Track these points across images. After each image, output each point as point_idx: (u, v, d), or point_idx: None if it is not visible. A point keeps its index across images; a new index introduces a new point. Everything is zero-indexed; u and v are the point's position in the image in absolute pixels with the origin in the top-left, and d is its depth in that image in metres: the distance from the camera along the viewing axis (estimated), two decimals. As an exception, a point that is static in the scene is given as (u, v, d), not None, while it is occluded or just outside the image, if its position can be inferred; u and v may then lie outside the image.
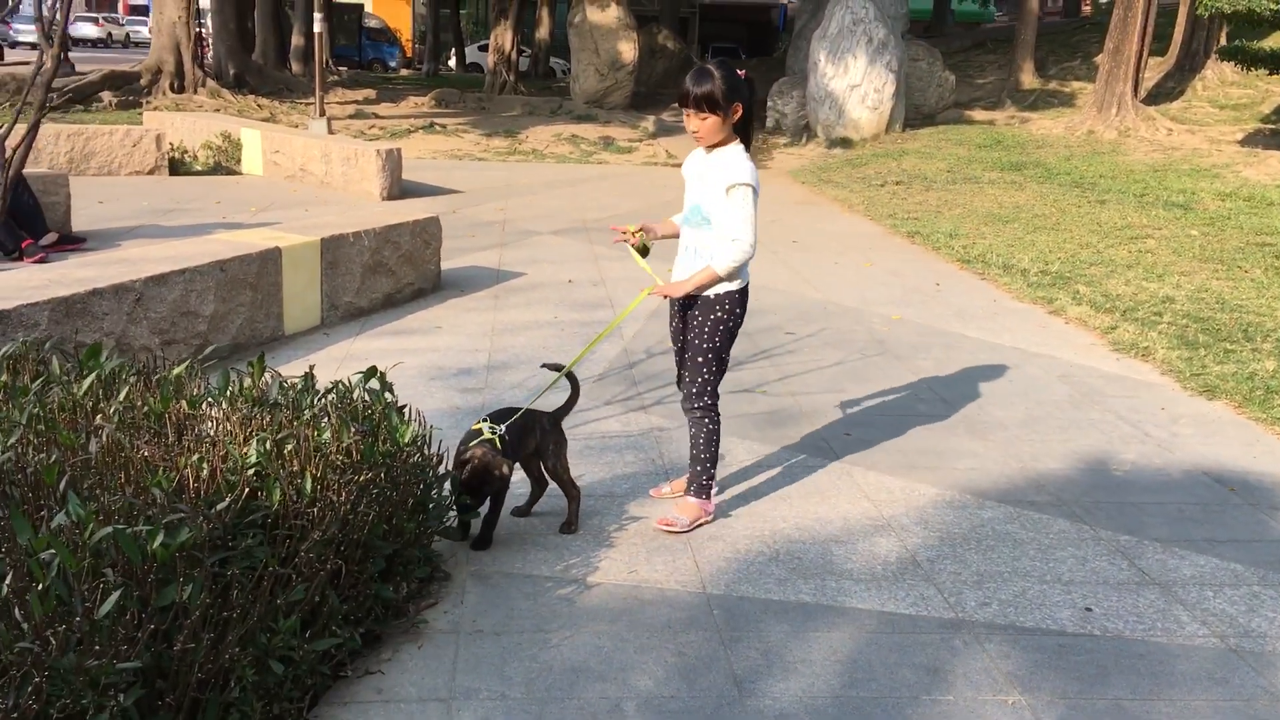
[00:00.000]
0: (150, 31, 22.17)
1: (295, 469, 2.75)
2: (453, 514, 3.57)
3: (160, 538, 2.19)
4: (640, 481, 4.25)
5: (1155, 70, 19.78)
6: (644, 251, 3.90)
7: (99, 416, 2.87)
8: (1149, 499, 4.27)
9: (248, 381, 3.25)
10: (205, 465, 2.56)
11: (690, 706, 2.78)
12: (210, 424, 2.98)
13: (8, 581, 2.06)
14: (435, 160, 15.17)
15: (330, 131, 15.95)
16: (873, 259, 9.01)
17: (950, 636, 3.18)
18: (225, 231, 6.71)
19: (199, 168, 12.79)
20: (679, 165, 3.85)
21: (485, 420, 3.67)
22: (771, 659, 3.02)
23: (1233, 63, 16.02)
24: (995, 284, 8.13)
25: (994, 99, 20.91)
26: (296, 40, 28.86)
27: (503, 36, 26.70)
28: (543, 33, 33.85)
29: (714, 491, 3.94)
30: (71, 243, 8.17)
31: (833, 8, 17.14)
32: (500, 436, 3.59)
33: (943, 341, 6.49)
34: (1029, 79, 21.76)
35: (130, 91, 20.35)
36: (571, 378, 3.96)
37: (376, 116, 20.31)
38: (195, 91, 20.70)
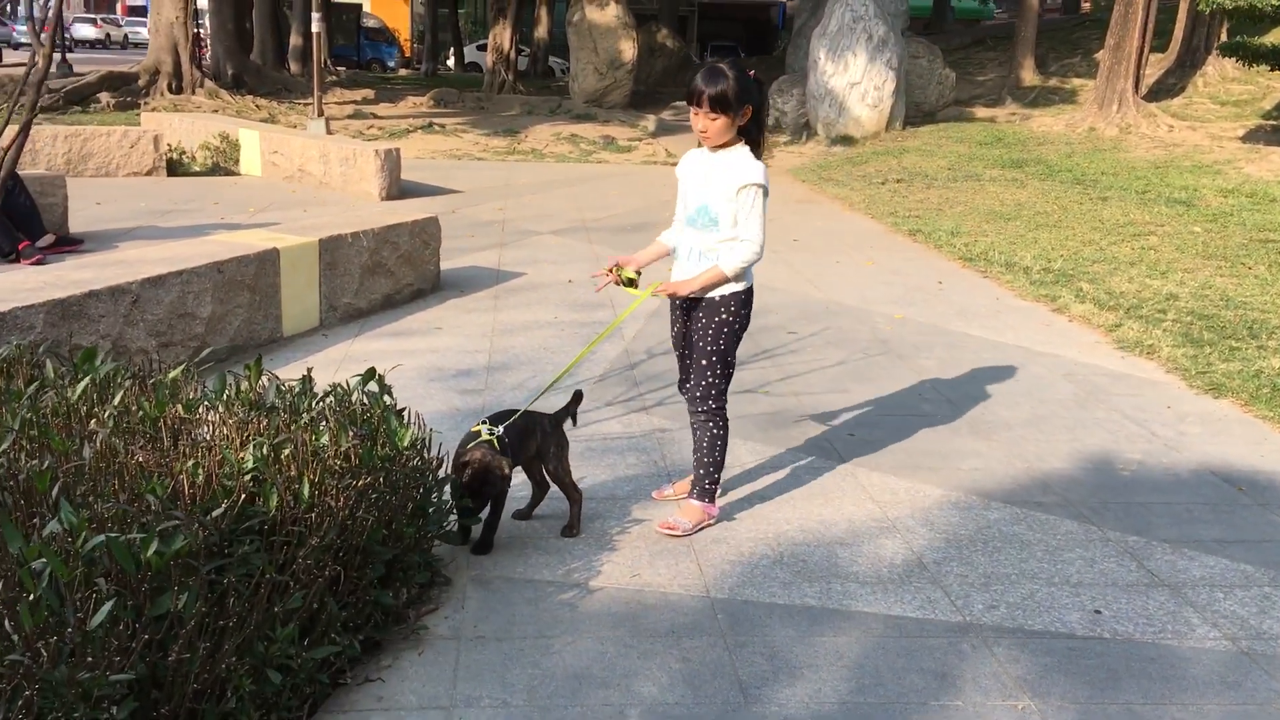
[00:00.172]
0: (149, 32, 22.08)
1: (293, 474, 2.70)
2: (453, 518, 3.52)
3: (154, 545, 2.14)
4: (642, 483, 4.20)
5: (1156, 67, 19.73)
6: (631, 283, 3.78)
7: (93, 421, 2.83)
8: (1156, 499, 4.22)
9: (244, 385, 3.21)
10: (201, 471, 2.51)
11: (695, 714, 2.74)
12: (206, 428, 2.93)
13: (-2, 592, 2.01)
14: (434, 160, 15.12)
15: (329, 132, 15.90)
16: (874, 257, 8.96)
17: (958, 640, 3.14)
18: (223, 232, 6.66)
19: (197, 168, 12.74)
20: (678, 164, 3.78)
21: (484, 422, 3.63)
22: (777, 664, 2.97)
23: (1234, 59, 15.96)
24: (998, 282, 8.08)
25: (994, 96, 20.86)
26: (295, 40, 28.82)
27: (501, 36, 26.67)
28: (541, 32, 33.82)
29: (717, 494, 3.89)
30: (69, 244, 8.12)
31: (833, 5, 17.09)
32: (499, 438, 3.54)
33: (946, 340, 6.45)
34: (1029, 76, 21.71)
35: (128, 92, 20.31)
36: (576, 394, 3.96)
37: (375, 116, 20.26)
38: (193, 92, 20.65)
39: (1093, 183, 12.82)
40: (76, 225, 8.85)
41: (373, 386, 3.38)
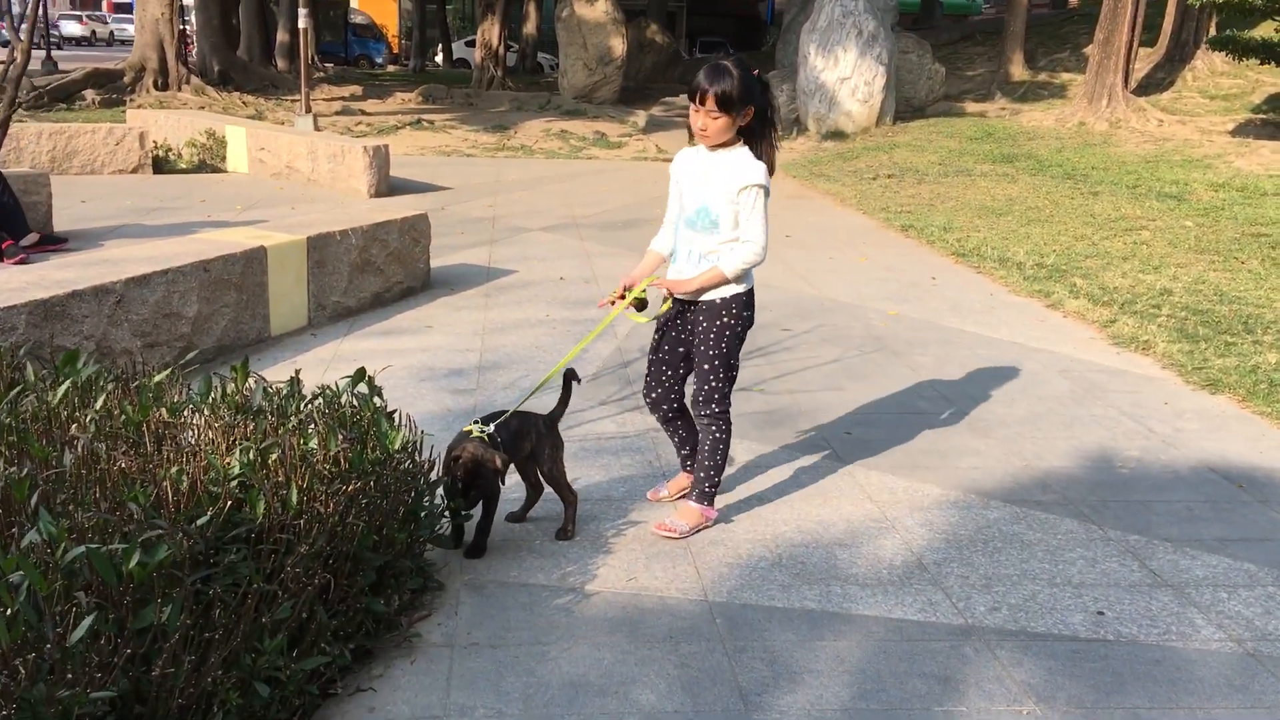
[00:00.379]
0: (135, 29, 21.91)
1: (280, 479, 2.63)
2: (445, 521, 3.46)
3: (137, 556, 2.07)
4: (638, 484, 4.14)
5: (1145, 61, 19.70)
6: (642, 305, 3.69)
7: (74, 426, 2.75)
8: (1156, 497, 4.17)
9: (230, 387, 3.13)
10: (185, 477, 2.44)
11: (694, 722, 2.68)
12: (191, 432, 2.86)
13: (-26, 606, 1.94)
14: (423, 156, 15.03)
15: (316, 128, 15.79)
16: (867, 253, 8.91)
17: (960, 643, 3.08)
18: (210, 230, 6.57)
19: (183, 166, 12.62)
20: (669, 160, 3.67)
21: (476, 422, 3.56)
22: (777, 670, 2.91)
23: (1224, 53, 15.94)
24: (991, 277, 8.04)
25: (984, 91, 20.82)
26: (281, 36, 28.66)
27: (490, 32, 26.55)
28: (530, 27, 33.69)
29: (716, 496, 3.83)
30: (53, 243, 8.02)
31: (823, 1, 17.03)
32: (490, 435, 3.47)
33: (941, 337, 6.40)
34: (1018, 71, 21.67)
35: (114, 89, 20.17)
36: (567, 380, 3.84)
37: (363, 113, 20.15)
38: (179, 89, 20.51)
39: (1083, 177, 12.79)
40: (61, 224, 8.75)
41: (362, 388, 3.30)
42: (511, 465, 3.62)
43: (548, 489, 3.77)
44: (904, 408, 5.15)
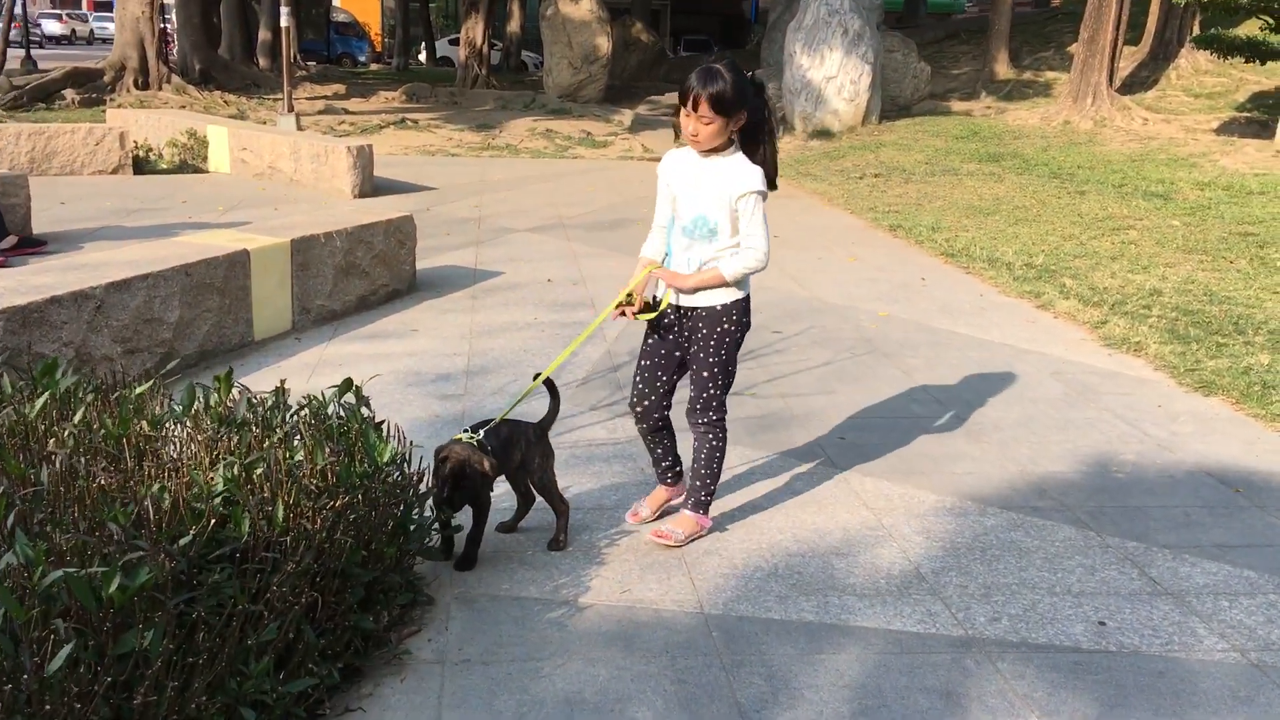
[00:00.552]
0: (115, 27, 21.70)
1: (266, 495, 2.55)
2: (435, 532, 3.39)
3: (117, 580, 1.99)
4: (630, 492, 4.07)
5: (1129, 60, 19.74)
6: (653, 305, 3.59)
7: (52, 441, 2.67)
8: (1153, 502, 4.13)
9: (214, 398, 3.05)
10: (167, 495, 2.36)
11: (693, 741, 2.62)
12: (173, 446, 2.78)
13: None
14: (407, 156, 14.92)
15: (299, 128, 15.66)
16: (856, 254, 8.86)
17: (961, 656, 3.03)
18: (191, 232, 6.48)
19: (164, 166, 12.49)
20: (656, 159, 3.55)
21: (466, 431, 3.49)
22: (776, 685, 2.85)
23: (1209, 51, 15.98)
24: (981, 278, 8.00)
25: (969, 90, 20.83)
26: (263, 35, 28.47)
27: (474, 30, 26.42)
28: (514, 26, 33.57)
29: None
30: (32, 246, 7.90)
31: (808, -1, 17.00)
32: (480, 443, 3.40)
33: (932, 339, 6.35)
34: (1003, 69, 21.69)
35: (93, 89, 19.98)
36: (550, 386, 3.77)
37: (346, 112, 20.02)
38: (160, 88, 20.34)
39: (1069, 176, 12.79)
40: (40, 226, 8.62)
41: (350, 397, 3.23)
42: (501, 475, 3.56)
43: (539, 499, 3.71)
44: (897, 412, 5.10)
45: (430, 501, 3.30)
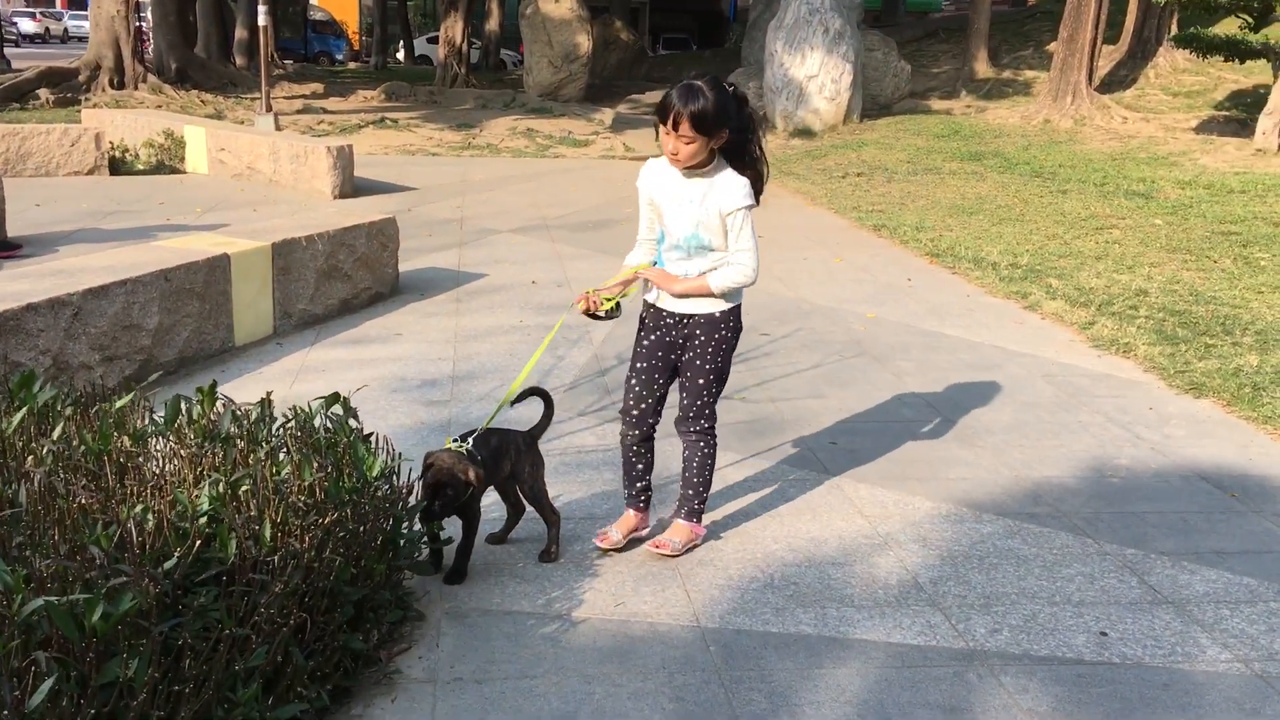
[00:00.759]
0: (90, 26, 21.45)
1: (252, 513, 2.47)
2: (424, 545, 3.31)
3: (100, 609, 1.91)
4: (621, 501, 3.98)
5: (1107, 59, 19.79)
6: (611, 313, 3.50)
7: (30, 458, 2.58)
8: (1150, 508, 4.10)
9: (197, 411, 2.97)
10: (150, 516, 2.28)
11: (693, 762, 2.56)
12: (156, 462, 2.69)
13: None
14: (387, 156, 14.79)
15: (278, 128, 15.51)
16: (842, 254, 8.82)
17: (963, 669, 2.98)
18: (170, 235, 6.37)
19: (141, 167, 12.33)
20: (639, 159, 3.42)
21: (456, 440, 3.41)
22: (777, 702, 2.79)
23: (1188, 50, 16.02)
24: (967, 278, 7.97)
25: (949, 88, 20.85)
26: (240, 33, 28.25)
27: (453, 28, 26.27)
28: (493, 24, 33.43)
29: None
30: (6, 249, 7.77)
31: (788, -3, 16.96)
32: (470, 453, 3.33)
33: (921, 341, 6.31)
34: (983, 68, 21.72)
35: (68, 88, 19.73)
36: (544, 395, 3.70)
37: (325, 111, 19.85)
38: (136, 87, 20.11)
39: (1051, 175, 12.80)
40: (15, 228, 8.46)
41: (337, 409, 3.15)
42: (490, 485, 3.49)
43: (529, 509, 3.64)
44: (888, 416, 5.06)
45: (419, 515, 3.22)
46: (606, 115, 20.27)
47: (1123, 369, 5.85)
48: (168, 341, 5.29)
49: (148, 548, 2.24)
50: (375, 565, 2.85)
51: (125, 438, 2.73)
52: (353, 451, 2.90)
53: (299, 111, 19.47)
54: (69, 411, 2.91)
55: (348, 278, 6.63)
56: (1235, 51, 14.58)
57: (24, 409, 2.79)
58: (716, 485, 4.13)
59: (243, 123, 16.39)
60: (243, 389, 5.08)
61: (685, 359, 3.51)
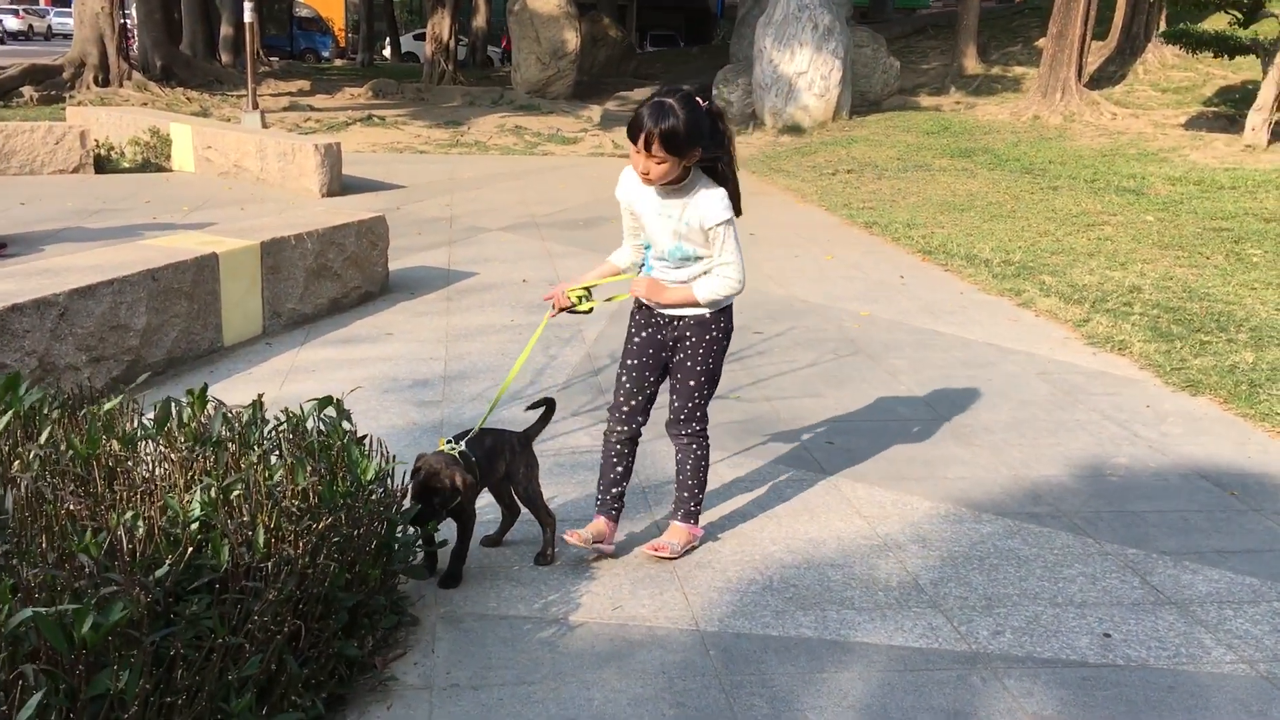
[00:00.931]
0: (74, 23, 21.28)
1: (245, 519, 2.42)
2: (419, 549, 3.26)
3: (90, 619, 1.86)
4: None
5: (1096, 55, 19.80)
6: (583, 299, 3.46)
7: (16, 463, 2.52)
8: (1149, 507, 4.07)
9: (187, 414, 2.91)
10: (141, 523, 2.22)
11: (696, 769, 2.51)
12: (145, 466, 2.64)
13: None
14: (375, 153, 14.71)
15: (264, 125, 15.41)
16: (833, 251, 8.79)
17: (967, 673, 2.94)
18: (157, 235, 6.29)
19: (126, 165, 12.22)
20: (627, 156, 3.32)
21: (449, 442, 3.36)
22: (779, 707, 2.75)
23: (1178, 45, 16.04)
24: (960, 276, 7.94)
25: (938, 85, 20.83)
26: (226, 30, 28.09)
27: (440, 25, 26.16)
28: (479, 20, 33.31)
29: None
30: (-10, 249, 7.68)
31: (778, -6, 16.92)
32: (463, 454, 3.28)
33: (915, 339, 6.28)
34: (972, 64, 21.71)
35: (52, 86, 19.57)
36: (549, 403, 3.68)
37: (312, 109, 19.74)
38: (121, 85, 19.96)
39: (1041, 172, 12.79)
40: (-1, 228, 8.39)
41: (330, 411, 3.09)
42: (484, 487, 3.44)
43: (524, 510, 3.59)
44: (885, 414, 5.02)
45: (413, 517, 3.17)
46: (595, 112, 20.21)
47: (1118, 366, 5.83)
48: (156, 342, 5.22)
49: (138, 555, 2.18)
50: (370, 570, 2.80)
51: (114, 441, 2.67)
52: (347, 454, 2.85)
53: (285, 109, 19.36)
54: (56, 415, 2.85)
55: (337, 277, 6.57)
56: (1224, 47, 14.58)
57: (9, 412, 2.73)
58: (712, 485, 4.10)
59: (229, 120, 16.28)
60: (232, 390, 5.02)
61: (676, 360, 3.45)
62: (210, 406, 2.95)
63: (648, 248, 3.43)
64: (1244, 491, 4.23)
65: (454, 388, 5.19)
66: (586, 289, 3.50)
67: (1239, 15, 15.28)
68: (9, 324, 4.44)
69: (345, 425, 3.04)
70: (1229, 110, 16.02)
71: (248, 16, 16.49)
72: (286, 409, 3.09)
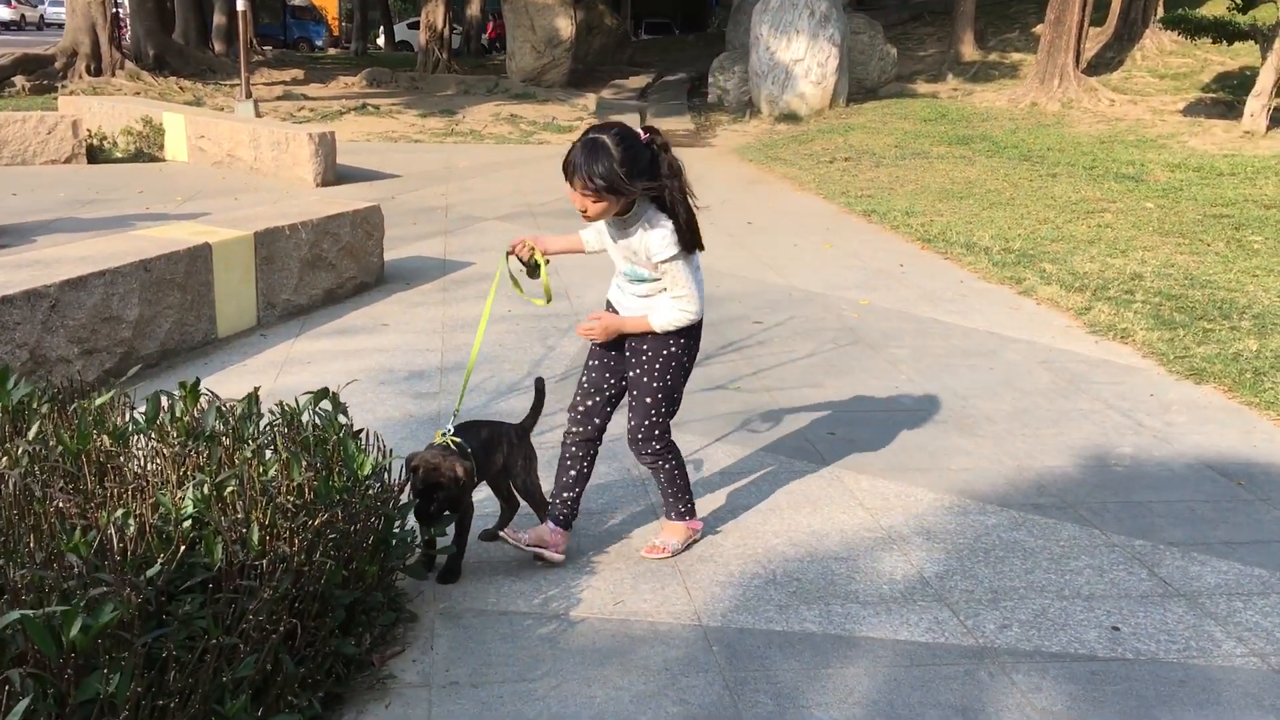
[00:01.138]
0: (65, 12, 21.13)
1: (239, 515, 2.36)
2: (417, 547, 3.21)
3: (79, 621, 1.81)
4: (616, 494, 3.91)
5: (1093, 41, 19.73)
6: (535, 270, 3.35)
7: (4, 459, 2.46)
8: (1156, 497, 4.02)
9: (180, 408, 2.85)
10: (132, 521, 2.17)
11: (701, 769, 2.47)
12: (137, 462, 2.58)
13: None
14: (369, 143, 14.62)
15: (258, 114, 15.32)
16: (832, 240, 8.73)
17: (974, 667, 2.89)
18: (149, 225, 6.22)
19: (119, 155, 12.13)
20: None
21: (445, 433, 3.30)
22: (784, 704, 2.70)
23: (1176, 31, 15.98)
24: (960, 264, 7.89)
25: (935, 72, 20.75)
26: (218, 19, 27.91)
27: (435, 13, 26.00)
28: (474, 9, 33.15)
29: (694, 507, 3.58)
30: (-19, 240, 7.60)
31: (774, -20, 16.82)
32: (460, 446, 3.22)
33: (915, 327, 6.23)
34: (969, 51, 21.63)
35: (44, 75, 19.43)
36: (537, 385, 3.61)
37: (306, 98, 19.63)
38: (113, 74, 19.83)
39: (1040, 159, 12.73)
40: (-10, 218, 8.31)
41: (326, 404, 3.04)
42: (483, 480, 3.39)
43: (522, 504, 3.54)
44: (886, 404, 4.97)
45: (412, 513, 3.11)
46: (590, 100, 20.11)
47: (1121, 354, 5.78)
48: (148, 333, 5.16)
49: (129, 554, 2.13)
50: (367, 567, 2.75)
51: (105, 436, 2.62)
52: (343, 449, 2.79)
53: (279, 98, 19.25)
54: (45, 409, 2.79)
55: (332, 267, 6.50)
56: (1222, 33, 14.53)
57: (-2, 407, 2.67)
58: (712, 477, 4.07)
59: (222, 109, 16.17)
60: (226, 382, 4.96)
61: (632, 376, 3.31)
62: (203, 400, 2.89)
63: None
64: (1251, 481, 4.19)
65: (451, 379, 5.13)
66: (546, 259, 3.41)
67: (1237, 1, 15.20)
68: (0, 316, 4.38)
69: (341, 419, 2.98)
70: (1228, 96, 15.96)
71: (241, 5, 16.38)
72: (281, 402, 3.04)
